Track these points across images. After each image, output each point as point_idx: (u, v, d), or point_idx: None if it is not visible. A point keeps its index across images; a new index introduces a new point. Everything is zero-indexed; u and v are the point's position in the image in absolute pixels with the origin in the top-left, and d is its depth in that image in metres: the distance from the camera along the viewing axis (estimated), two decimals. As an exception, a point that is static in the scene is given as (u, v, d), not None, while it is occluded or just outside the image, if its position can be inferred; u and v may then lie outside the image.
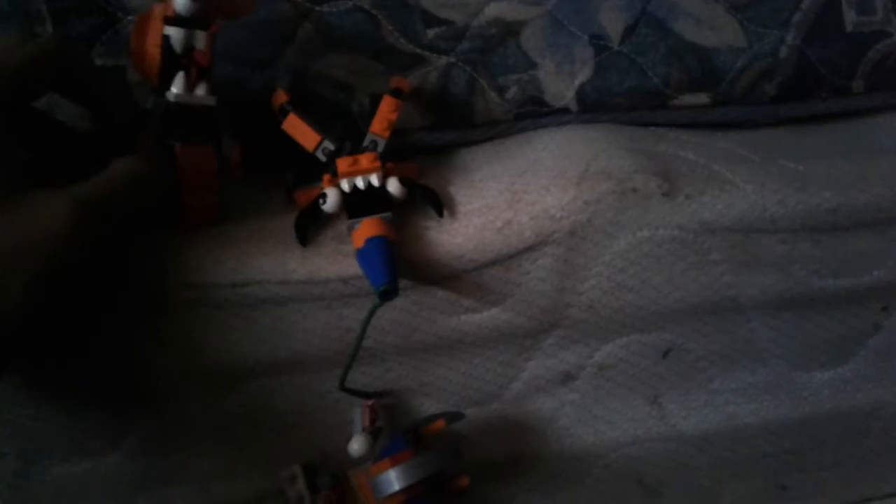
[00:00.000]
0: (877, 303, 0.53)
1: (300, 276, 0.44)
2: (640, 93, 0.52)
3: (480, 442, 0.53)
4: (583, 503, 0.56)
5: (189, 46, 0.41)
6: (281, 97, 0.46)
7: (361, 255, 0.42)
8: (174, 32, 0.40)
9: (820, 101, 0.56)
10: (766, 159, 0.50)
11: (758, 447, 0.56)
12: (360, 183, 0.45)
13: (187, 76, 0.41)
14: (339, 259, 0.44)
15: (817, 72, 0.54)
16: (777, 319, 0.52)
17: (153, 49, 0.41)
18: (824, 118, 0.56)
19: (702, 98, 0.53)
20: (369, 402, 0.48)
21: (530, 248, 0.46)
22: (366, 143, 0.46)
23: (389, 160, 0.46)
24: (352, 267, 0.44)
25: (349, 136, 0.46)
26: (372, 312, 0.42)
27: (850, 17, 0.54)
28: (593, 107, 0.52)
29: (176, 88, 0.41)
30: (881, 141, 0.53)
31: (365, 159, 0.45)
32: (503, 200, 0.46)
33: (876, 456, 0.59)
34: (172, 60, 0.41)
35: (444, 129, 0.52)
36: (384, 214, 0.44)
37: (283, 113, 0.45)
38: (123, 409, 0.47)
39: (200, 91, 0.42)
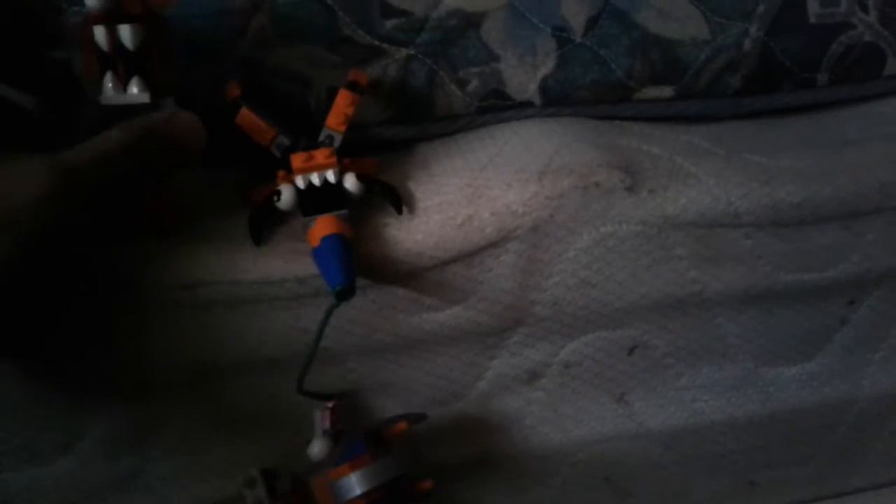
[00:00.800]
0: (843, 297, 0.52)
1: (253, 277, 0.42)
2: (603, 85, 0.52)
3: (445, 442, 0.52)
4: (550, 502, 0.55)
5: (115, 42, 0.39)
6: (233, 91, 0.45)
7: (317, 254, 0.41)
8: (97, 31, 0.38)
9: (784, 94, 0.55)
10: (731, 153, 0.49)
11: (725, 444, 0.56)
12: (315, 179, 0.43)
13: (115, 74, 0.39)
14: (294, 258, 0.43)
15: (781, 64, 0.54)
16: (743, 315, 0.51)
17: (82, 50, 0.39)
18: (788, 111, 0.56)
19: (665, 91, 0.53)
20: (329, 405, 0.47)
21: (492, 245, 0.45)
22: (322, 137, 0.45)
23: (347, 155, 0.45)
24: (308, 266, 0.42)
25: (305, 130, 0.45)
26: (329, 313, 0.41)
27: (813, 8, 0.54)
28: (556, 100, 0.51)
29: (105, 89, 0.39)
30: (845, 133, 0.53)
31: (320, 155, 0.44)
32: (464, 196, 0.45)
33: (844, 451, 0.59)
34: (102, 60, 0.39)
35: (404, 124, 0.51)
36: (340, 212, 0.43)
37: (236, 107, 0.44)
38: (75, 413, 0.46)
39: (133, 88, 0.40)
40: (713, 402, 0.54)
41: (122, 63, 0.39)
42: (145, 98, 0.40)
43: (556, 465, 0.54)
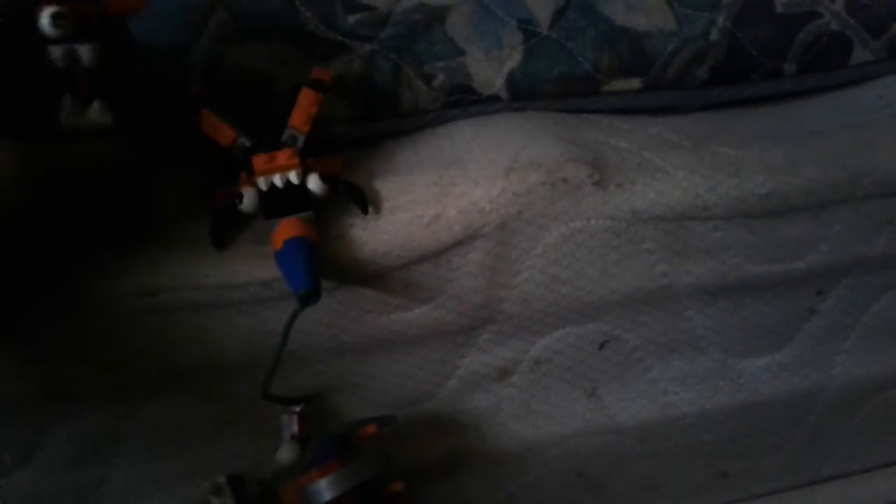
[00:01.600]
0: (812, 287, 0.53)
1: (215, 281, 0.42)
2: (571, 79, 0.51)
3: (417, 441, 0.51)
4: (523, 499, 0.55)
5: (73, 62, 0.37)
6: (195, 87, 0.44)
7: (280, 257, 0.40)
8: (53, 51, 0.37)
9: (752, 85, 0.55)
10: (699, 145, 0.49)
11: (697, 436, 0.56)
12: (277, 181, 0.42)
13: (74, 96, 0.38)
14: (257, 262, 0.42)
15: (749, 54, 0.54)
16: (713, 307, 0.51)
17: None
18: (756, 102, 0.56)
19: (633, 83, 0.52)
20: (297, 409, 0.46)
21: (459, 243, 0.44)
22: (284, 137, 0.44)
23: (311, 155, 0.44)
24: (271, 269, 0.41)
25: (268, 129, 0.44)
26: (293, 318, 0.40)
27: (780, -3, 0.53)
28: (524, 94, 0.51)
29: (63, 112, 0.37)
30: (812, 124, 0.53)
31: (283, 156, 0.43)
32: (430, 194, 0.45)
33: (814, 440, 0.59)
34: (59, 81, 0.37)
35: (370, 120, 0.50)
36: (304, 214, 0.42)
37: (196, 106, 0.43)
38: (34, 424, 0.45)
39: (93, 112, 0.38)
40: (684, 394, 0.54)
41: (83, 83, 0.38)
42: (107, 121, 0.38)
43: (528, 461, 0.54)
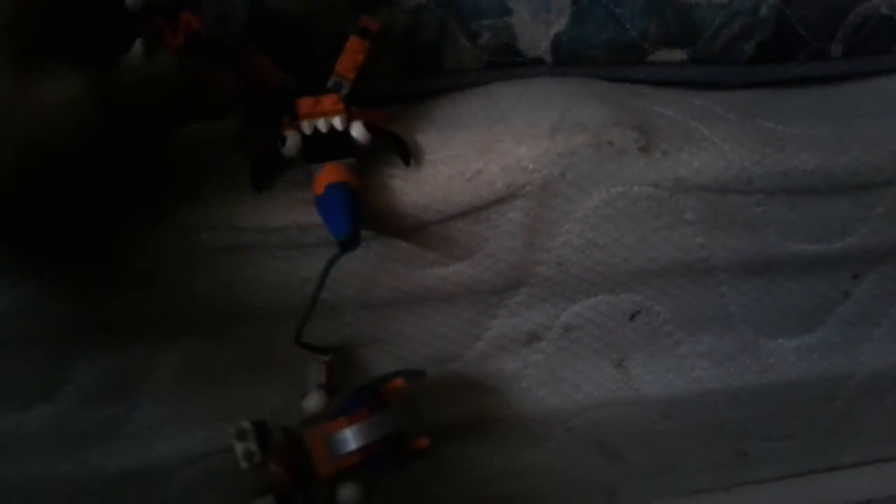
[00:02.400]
0: (847, 271, 0.52)
1: (254, 223, 0.41)
2: (616, 46, 0.50)
3: (440, 401, 0.51)
4: (543, 466, 0.55)
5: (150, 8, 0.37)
6: (236, 29, 0.43)
7: (321, 201, 0.40)
8: None
9: (797, 65, 0.54)
10: (744, 118, 0.49)
11: (721, 413, 0.56)
12: (321, 126, 0.42)
13: (146, 41, 0.37)
14: (296, 206, 0.42)
15: (797, 33, 0.53)
16: (747, 284, 0.51)
17: None
18: (801, 82, 0.55)
19: (679, 55, 0.52)
20: (327, 358, 0.46)
21: (500, 201, 0.44)
22: (329, 84, 0.43)
23: (354, 105, 0.43)
24: (311, 215, 0.41)
25: (311, 77, 0.44)
26: (331, 264, 0.40)
27: (832, -24, 0.52)
28: (568, 58, 0.50)
29: (134, 56, 0.37)
30: (859, 106, 0.52)
31: (328, 101, 0.42)
32: (473, 150, 0.44)
33: (838, 426, 0.59)
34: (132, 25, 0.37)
35: (412, 76, 0.49)
36: (347, 160, 0.41)
37: (241, 46, 0.42)
38: (60, 358, 0.44)
39: (161, 60, 0.37)
40: (712, 370, 0.54)
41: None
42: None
43: (551, 428, 0.54)
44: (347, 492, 0.42)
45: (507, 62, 0.50)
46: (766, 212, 0.47)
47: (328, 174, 0.40)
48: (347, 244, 0.38)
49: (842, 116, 0.50)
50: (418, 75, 0.49)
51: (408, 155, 0.43)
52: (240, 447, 0.45)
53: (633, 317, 0.51)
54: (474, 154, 0.44)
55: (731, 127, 0.47)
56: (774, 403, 0.56)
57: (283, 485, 0.41)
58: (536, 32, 0.49)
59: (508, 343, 0.50)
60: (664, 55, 0.51)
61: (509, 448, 0.54)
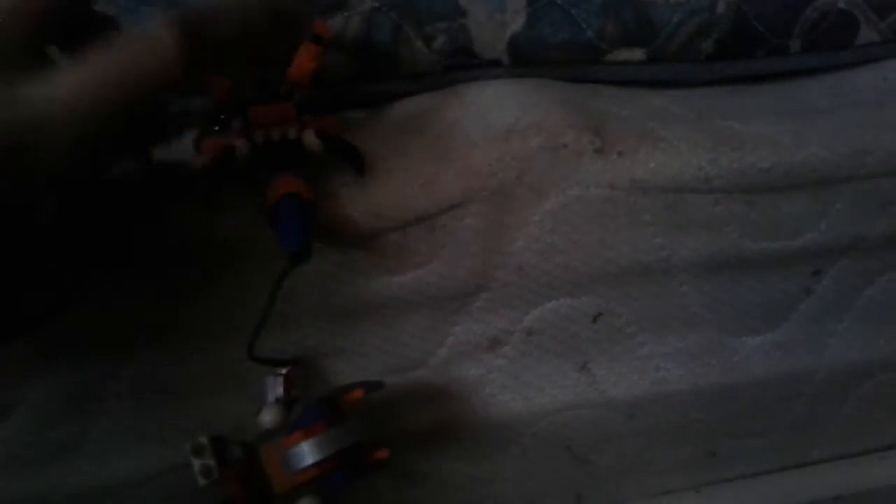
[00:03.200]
0: (808, 267, 0.52)
1: (206, 235, 0.40)
2: (573, 46, 0.50)
3: (403, 410, 0.50)
4: (510, 471, 0.55)
5: None
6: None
7: (273, 213, 0.39)
8: None
9: (756, 61, 0.54)
10: (702, 117, 0.48)
11: (687, 413, 0.55)
12: (274, 134, 0.41)
13: None
14: (248, 217, 0.41)
15: (755, 29, 0.53)
16: (709, 283, 0.50)
17: None
18: (760, 78, 0.55)
19: (637, 54, 0.51)
20: (283, 371, 0.45)
21: (455, 206, 0.43)
22: (282, 91, 0.42)
23: (306, 112, 0.43)
24: (262, 226, 0.40)
25: (264, 83, 0.43)
26: (283, 277, 0.39)
27: (788, -29, 0.52)
28: (525, 60, 0.50)
29: None
30: (816, 102, 0.52)
31: (280, 109, 0.41)
32: (427, 156, 0.44)
33: (805, 422, 0.59)
34: None
35: (367, 81, 0.49)
36: (299, 170, 0.41)
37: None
38: (13, 377, 0.43)
39: None
40: (676, 371, 0.53)
41: None
42: None
43: (516, 433, 0.53)
44: (307, 506, 0.41)
45: (464, 64, 0.49)
46: (724, 210, 0.47)
47: (280, 185, 0.39)
48: (298, 257, 0.37)
49: (800, 113, 0.50)
50: (373, 80, 0.49)
51: (361, 163, 0.43)
52: (197, 463, 0.44)
53: (595, 319, 0.50)
54: (428, 160, 0.43)
55: (688, 126, 0.47)
56: (741, 402, 0.56)
57: (242, 500, 0.41)
58: (492, 34, 0.49)
59: (471, 349, 0.50)
60: (622, 54, 0.51)
61: (474, 454, 0.53)
